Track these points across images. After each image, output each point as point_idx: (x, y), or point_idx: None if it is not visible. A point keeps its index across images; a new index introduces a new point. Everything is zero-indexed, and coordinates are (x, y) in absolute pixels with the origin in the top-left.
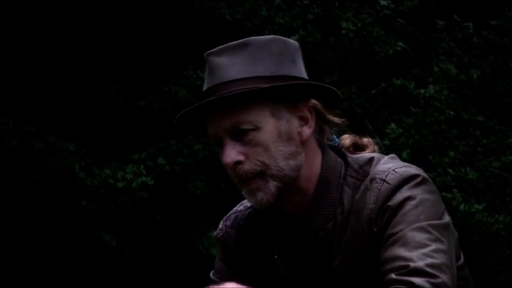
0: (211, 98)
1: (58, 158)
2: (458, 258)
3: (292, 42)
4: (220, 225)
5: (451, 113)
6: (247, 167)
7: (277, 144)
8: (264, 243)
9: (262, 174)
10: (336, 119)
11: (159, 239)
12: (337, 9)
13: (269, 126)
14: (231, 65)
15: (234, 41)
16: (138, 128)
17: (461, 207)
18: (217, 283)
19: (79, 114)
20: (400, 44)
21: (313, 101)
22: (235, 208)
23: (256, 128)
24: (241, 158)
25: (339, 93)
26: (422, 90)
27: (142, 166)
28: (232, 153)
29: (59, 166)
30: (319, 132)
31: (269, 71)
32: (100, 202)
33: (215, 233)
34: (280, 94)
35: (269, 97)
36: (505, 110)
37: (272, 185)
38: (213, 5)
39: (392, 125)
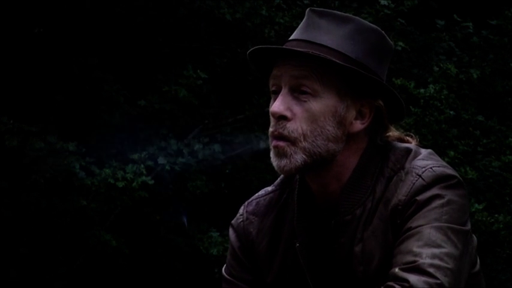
0: (296, 49)
1: (58, 157)
2: (474, 265)
3: (390, 44)
4: (241, 211)
5: (451, 112)
6: (288, 126)
7: (327, 121)
8: (285, 230)
9: (296, 142)
10: (393, 130)
11: (159, 238)
12: (337, 9)
13: (328, 101)
14: (327, 32)
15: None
16: (138, 127)
17: None
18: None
19: (79, 114)
20: (400, 43)
21: (379, 103)
22: (256, 194)
23: (316, 96)
24: (288, 114)
25: (404, 109)
26: (422, 90)
27: (142, 166)
28: (282, 106)
29: (59, 166)
30: (374, 132)
31: (355, 55)
32: (100, 202)
33: (233, 221)
34: (354, 80)
35: (344, 77)
36: (505, 109)
37: (300, 157)
38: (213, 4)
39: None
